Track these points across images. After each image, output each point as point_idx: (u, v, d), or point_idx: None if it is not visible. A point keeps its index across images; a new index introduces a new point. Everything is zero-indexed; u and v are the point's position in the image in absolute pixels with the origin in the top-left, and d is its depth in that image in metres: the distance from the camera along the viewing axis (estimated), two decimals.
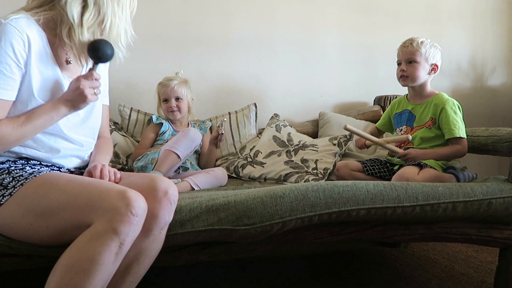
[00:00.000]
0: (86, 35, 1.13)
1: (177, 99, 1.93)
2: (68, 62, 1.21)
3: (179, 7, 2.22)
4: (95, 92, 1.15)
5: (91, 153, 1.32)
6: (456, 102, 1.68)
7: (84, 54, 1.17)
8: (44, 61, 1.14)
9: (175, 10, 2.21)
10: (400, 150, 1.68)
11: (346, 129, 1.77)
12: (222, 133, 1.85)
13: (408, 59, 1.71)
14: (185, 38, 2.24)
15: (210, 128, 2.11)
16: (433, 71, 1.73)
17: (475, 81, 2.72)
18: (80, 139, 1.25)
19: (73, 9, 1.11)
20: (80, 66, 1.24)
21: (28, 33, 1.08)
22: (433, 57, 1.70)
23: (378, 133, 1.95)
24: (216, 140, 1.88)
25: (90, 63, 1.20)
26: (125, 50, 1.24)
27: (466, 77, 2.70)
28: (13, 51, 1.06)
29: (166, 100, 1.94)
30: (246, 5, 2.31)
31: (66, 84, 1.18)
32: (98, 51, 1.15)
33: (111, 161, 1.83)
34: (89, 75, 1.14)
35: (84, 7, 1.12)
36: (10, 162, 1.13)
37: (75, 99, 1.12)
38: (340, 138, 2.01)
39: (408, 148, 1.70)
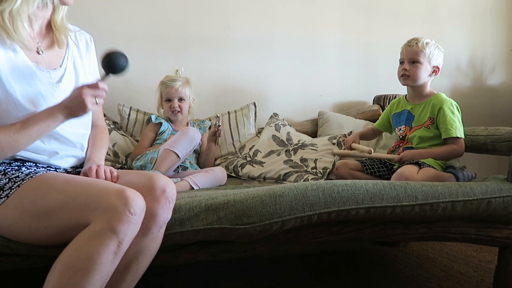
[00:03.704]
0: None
1: (180, 99, 1.93)
2: (38, 52, 1.17)
3: (178, 6, 2.21)
4: (96, 101, 1.10)
5: (87, 148, 1.30)
6: (454, 103, 1.68)
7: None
8: (10, 54, 1.10)
9: (175, 9, 2.21)
10: (395, 156, 1.67)
11: (334, 154, 1.82)
12: (220, 125, 1.83)
13: (411, 59, 1.70)
14: (184, 38, 2.24)
15: (209, 128, 2.11)
16: (434, 73, 1.72)
17: (475, 80, 2.72)
18: (72, 132, 1.22)
19: None
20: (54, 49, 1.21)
21: None
22: (436, 59, 1.70)
23: (374, 133, 1.95)
24: (215, 136, 1.87)
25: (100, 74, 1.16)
26: None
27: (466, 76, 2.70)
28: None
29: (168, 100, 1.93)
30: (245, 5, 2.31)
31: (42, 74, 1.15)
32: (112, 62, 1.12)
33: (111, 161, 1.84)
34: (94, 85, 1.09)
35: None
36: (6, 164, 1.12)
37: (75, 107, 1.08)
38: (340, 137, 2.01)
39: (406, 148, 1.70)
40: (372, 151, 1.74)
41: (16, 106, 1.09)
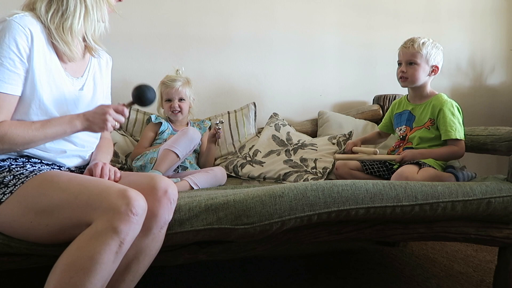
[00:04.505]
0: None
1: (180, 99, 1.93)
2: (70, 60, 1.22)
3: (178, 6, 2.22)
4: (115, 124, 1.18)
5: (92, 152, 1.33)
6: (455, 104, 1.67)
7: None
8: (47, 57, 1.15)
9: (174, 9, 2.21)
10: (396, 157, 1.67)
11: (336, 159, 1.81)
12: (219, 128, 1.85)
13: (408, 60, 1.69)
14: (184, 38, 2.24)
15: (209, 128, 2.11)
16: (433, 73, 1.72)
17: (474, 80, 2.72)
18: (83, 138, 1.26)
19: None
20: (82, 59, 1.27)
21: (31, 28, 1.10)
22: (434, 58, 1.69)
23: (380, 137, 1.95)
24: (215, 138, 1.88)
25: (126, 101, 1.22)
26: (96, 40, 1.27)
27: (465, 76, 2.70)
28: (17, 46, 1.08)
29: (169, 100, 1.93)
30: (245, 4, 2.31)
31: (68, 80, 1.21)
32: (142, 96, 1.20)
33: (111, 161, 1.83)
34: (120, 109, 1.17)
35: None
36: (11, 159, 1.14)
37: (95, 122, 1.15)
38: (339, 137, 2.02)
39: (406, 148, 1.70)
40: (378, 152, 1.73)
41: (40, 104, 1.13)
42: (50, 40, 1.16)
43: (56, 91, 1.16)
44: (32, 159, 1.16)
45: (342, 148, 1.97)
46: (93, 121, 1.15)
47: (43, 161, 1.18)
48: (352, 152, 1.82)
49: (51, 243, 1.05)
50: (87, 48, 1.28)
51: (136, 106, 2.08)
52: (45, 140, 1.13)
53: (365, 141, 1.89)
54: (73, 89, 1.22)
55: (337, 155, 1.84)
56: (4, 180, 1.06)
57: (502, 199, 1.33)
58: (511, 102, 2.76)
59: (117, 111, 1.16)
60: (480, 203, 1.32)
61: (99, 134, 1.37)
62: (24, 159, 1.15)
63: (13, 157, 1.15)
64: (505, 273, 1.42)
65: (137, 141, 2.00)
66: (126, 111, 1.19)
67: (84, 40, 1.26)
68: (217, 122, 1.88)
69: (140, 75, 2.17)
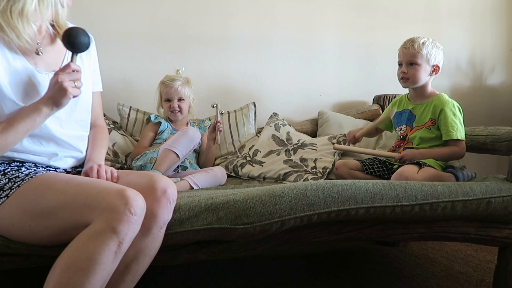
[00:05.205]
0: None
1: (180, 99, 1.93)
2: (38, 53, 1.15)
3: (178, 6, 2.22)
4: (75, 85, 1.08)
5: (87, 148, 1.30)
6: (456, 104, 1.67)
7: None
8: (9, 59, 1.09)
9: (174, 9, 2.21)
10: (396, 154, 1.67)
11: (335, 148, 1.81)
12: (220, 121, 1.84)
13: (409, 61, 1.69)
14: (184, 37, 2.24)
15: (209, 127, 2.11)
16: (434, 72, 1.71)
17: (474, 80, 2.72)
18: (71, 134, 1.22)
19: None
20: (53, 51, 1.20)
21: None
22: (434, 58, 1.68)
23: (376, 131, 1.95)
24: (214, 133, 1.86)
25: (69, 56, 1.12)
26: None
27: (465, 76, 2.70)
28: None
29: (168, 100, 1.93)
30: (244, 4, 2.31)
31: (40, 77, 1.14)
32: (73, 40, 1.10)
33: (110, 160, 1.84)
34: (66, 67, 1.08)
35: None
36: (5, 164, 1.12)
37: (56, 94, 1.06)
38: (339, 137, 2.02)
39: (406, 148, 1.70)
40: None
41: (13, 107, 1.08)
42: (8, 40, 1.07)
43: (29, 91, 1.11)
44: (26, 163, 1.15)
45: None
46: (53, 95, 1.06)
47: (37, 164, 1.16)
48: (354, 141, 1.83)
49: (50, 244, 1.05)
50: (58, 33, 1.19)
51: (134, 104, 2.10)
52: (19, 137, 1.07)
53: (365, 134, 1.87)
54: (47, 84, 1.13)
55: (336, 145, 1.85)
56: None
57: (502, 199, 1.33)
58: (511, 102, 2.76)
59: (65, 70, 1.07)
60: (480, 203, 1.32)
61: (87, 127, 1.31)
62: (18, 163, 1.14)
63: (7, 161, 1.13)
64: (505, 273, 1.42)
65: (137, 141, 2.00)
66: (74, 64, 1.09)
67: (52, 27, 1.18)
68: (221, 112, 1.83)
69: (140, 75, 2.17)
